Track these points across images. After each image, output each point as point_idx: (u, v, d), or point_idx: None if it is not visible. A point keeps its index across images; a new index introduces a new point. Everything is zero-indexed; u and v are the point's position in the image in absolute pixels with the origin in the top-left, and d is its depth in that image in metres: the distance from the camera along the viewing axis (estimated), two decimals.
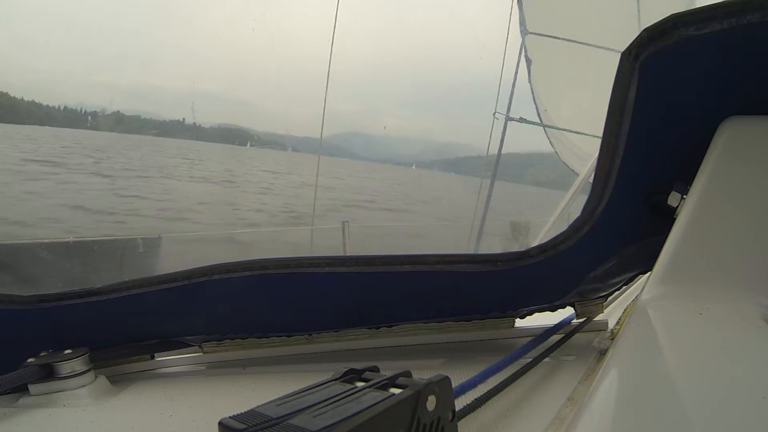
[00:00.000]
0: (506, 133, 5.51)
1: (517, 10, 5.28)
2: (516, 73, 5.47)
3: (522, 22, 5.32)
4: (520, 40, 5.39)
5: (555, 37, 5.19)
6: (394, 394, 0.35)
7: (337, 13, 5.21)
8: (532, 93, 5.62)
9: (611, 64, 0.56)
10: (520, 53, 5.46)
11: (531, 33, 5.35)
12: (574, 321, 0.79)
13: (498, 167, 5.59)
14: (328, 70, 5.26)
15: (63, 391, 0.62)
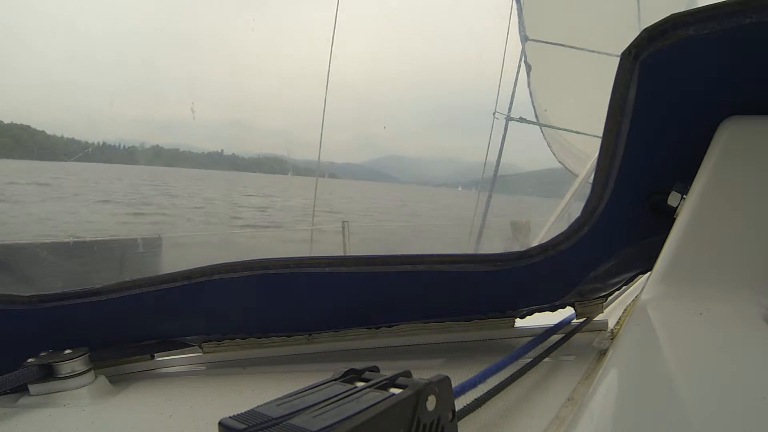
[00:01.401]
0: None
1: (518, 18, 5.34)
2: (517, 75, 5.52)
3: (522, 29, 5.37)
4: (521, 44, 5.45)
5: (555, 44, 5.23)
6: (394, 394, 0.35)
7: (337, 15, 5.23)
8: (531, 97, 5.68)
9: (611, 67, 0.56)
10: (520, 59, 5.51)
11: (531, 40, 5.39)
12: (574, 321, 0.79)
13: (498, 170, 5.62)
14: (327, 78, 5.28)
15: (63, 391, 0.61)
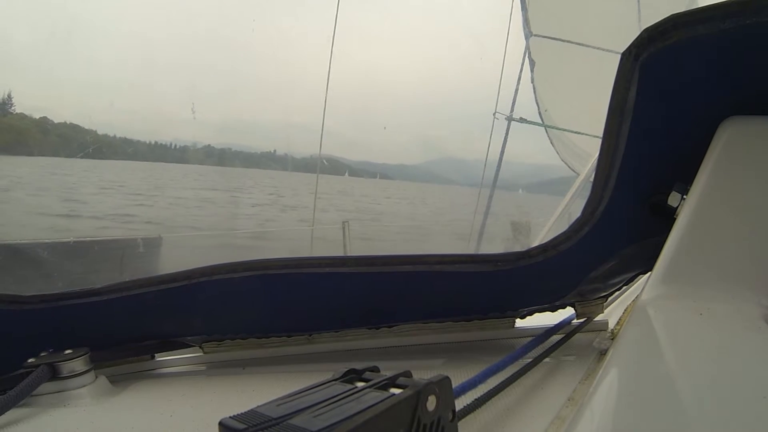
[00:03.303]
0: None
1: (521, 13, 5.33)
2: (520, 75, 5.52)
3: (525, 25, 5.37)
4: (525, 41, 5.44)
5: (559, 39, 5.22)
6: (394, 394, 0.35)
7: (337, 16, 5.25)
8: (535, 94, 5.67)
9: (613, 66, 0.56)
10: (524, 56, 5.51)
11: (535, 35, 5.38)
12: (575, 321, 0.79)
13: (499, 171, 5.63)
14: (327, 78, 5.30)
15: (63, 391, 0.61)
